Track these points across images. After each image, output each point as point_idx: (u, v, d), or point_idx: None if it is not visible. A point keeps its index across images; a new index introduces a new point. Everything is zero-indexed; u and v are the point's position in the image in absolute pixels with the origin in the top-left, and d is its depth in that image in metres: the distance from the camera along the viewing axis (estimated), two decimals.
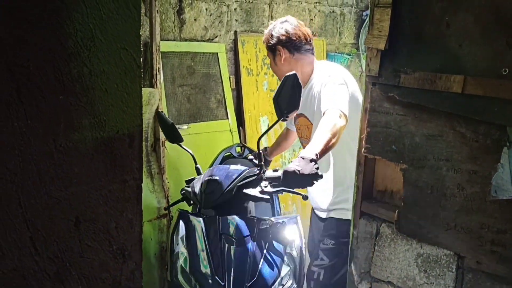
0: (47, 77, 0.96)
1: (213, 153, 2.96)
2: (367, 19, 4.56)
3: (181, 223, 1.87)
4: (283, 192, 1.85)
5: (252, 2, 3.74)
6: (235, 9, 3.63)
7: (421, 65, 1.60)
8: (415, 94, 1.62)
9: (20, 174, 0.96)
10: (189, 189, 1.99)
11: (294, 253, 1.79)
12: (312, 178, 1.74)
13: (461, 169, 1.55)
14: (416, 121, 1.65)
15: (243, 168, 2.00)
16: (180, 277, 1.72)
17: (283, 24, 2.40)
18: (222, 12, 3.54)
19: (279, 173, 1.80)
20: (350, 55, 4.61)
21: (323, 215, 2.46)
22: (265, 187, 1.82)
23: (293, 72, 1.83)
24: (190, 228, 1.83)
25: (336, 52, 4.48)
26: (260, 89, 3.81)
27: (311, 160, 1.78)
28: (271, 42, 2.40)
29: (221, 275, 1.67)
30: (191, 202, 2.10)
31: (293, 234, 1.86)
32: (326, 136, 1.93)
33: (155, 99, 2.91)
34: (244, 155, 2.72)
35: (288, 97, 1.77)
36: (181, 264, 1.74)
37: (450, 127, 1.56)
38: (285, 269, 1.74)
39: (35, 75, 0.94)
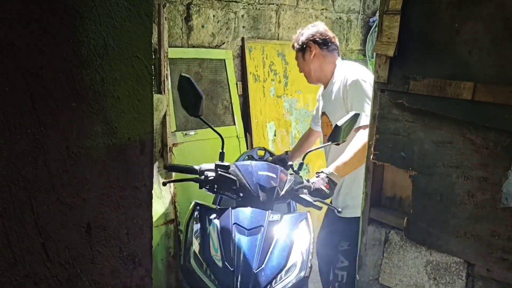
0: (61, 84, 0.97)
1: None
2: (374, 25, 4.57)
3: (196, 212, 1.96)
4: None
5: (259, 9, 3.75)
6: (242, 15, 3.64)
7: (430, 71, 1.60)
8: (424, 100, 1.62)
9: (33, 181, 0.97)
10: (228, 175, 2.02)
11: (302, 247, 1.86)
12: (328, 196, 2.14)
13: (471, 176, 1.54)
14: (425, 128, 1.65)
15: (287, 171, 2.20)
16: (192, 262, 1.80)
17: (313, 27, 2.60)
18: (230, 19, 3.55)
19: (309, 184, 2.10)
20: (356, 61, 4.62)
21: (336, 213, 2.49)
22: (306, 194, 2.06)
23: (358, 112, 2.18)
24: (204, 218, 1.92)
25: (342, 59, 4.47)
26: (267, 95, 3.82)
27: (335, 184, 2.15)
28: (300, 39, 2.57)
29: (230, 262, 1.75)
30: (203, 183, 2.07)
31: (302, 229, 1.93)
32: (358, 159, 2.18)
33: (163, 105, 2.92)
34: (265, 159, 2.82)
35: (349, 129, 2.10)
36: (194, 250, 1.83)
37: (460, 134, 1.56)
38: (292, 260, 1.80)
39: (48, 83, 0.95)
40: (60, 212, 1.01)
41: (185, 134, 3.22)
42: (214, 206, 2.03)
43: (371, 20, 4.68)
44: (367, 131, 2.15)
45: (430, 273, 1.70)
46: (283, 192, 2.02)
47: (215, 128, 2.21)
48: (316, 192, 2.09)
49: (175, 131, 3.16)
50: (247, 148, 3.63)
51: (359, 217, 2.34)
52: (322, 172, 2.18)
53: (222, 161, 2.13)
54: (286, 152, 2.88)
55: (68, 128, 1.00)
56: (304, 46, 2.55)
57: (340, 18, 4.45)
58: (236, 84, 3.63)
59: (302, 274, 1.78)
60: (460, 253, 1.60)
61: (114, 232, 1.11)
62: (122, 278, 1.16)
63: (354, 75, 2.36)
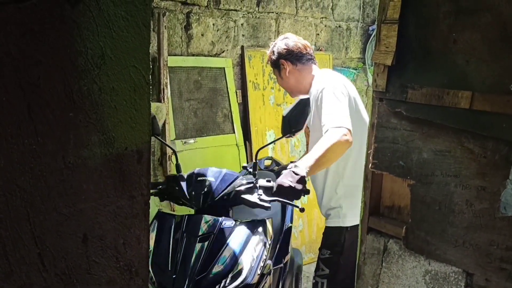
0: (58, 94, 0.97)
1: (219, 167, 2.96)
2: (374, 34, 4.59)
3: (156, 221, 1.98)
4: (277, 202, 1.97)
5: (258, 18, 3.77)
6: (242, 24, 3.66)
7: (428, 80, 1.60)
8: (422, 109, 1.62)
9: (29, 191, 0.97)
10: (173, 186, 2.06)
11: (253, 254, 1.86)
12: (301, 193, 1.93)
13: (469, 185, 1.54)
14: (424, 136, 1.65)
15: (236, 173, 2.12)
16: None
17: (283, 40, 2.52)
18: (229, 27, 3.57)
19: (272, 184, 1.96)
20: (356, 69, 4.63)
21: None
22: (260, 195, 1.93)
23: (308, 96, 2.06)
24: (162, 226, 1.94)
25: (342, 67, 4.50)
26: (267, 103, 3.83)
27: (303, 176, 1.96)
28: (273, 58, 2.52)
29: (175, 268, 1.78)
30: (163, 196, 2.13)
31: (257, 235, 1.92)
32: (323, 153, 2.06)
33: (162, 113, 2.93)
34: (270, 168, 2.83)
35: (298, 118, 1.98)
36: None
37: (458, 143, 1.56)
38: (238, 267, 1.81)
39: (45, 93, 0.95)
40: (57, 222, 1.01)
41: (185, 143, 3.22)
42: (174, 214, 2.03)
43: (370, 28, 4.70)
44: (337, 131, 2.10)
45: (429, 283, 1.69)
46: (219, 196, 1.97)
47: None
48: (282, 190, 1.93)
49: (174, 139, 3.17)
50: (247, 157, 3.63)
51: (340, 226, 2.40)
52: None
53: (178, 173, 2.15)
54: (291, 161, 2.87)
55: (65, 138, 1.00)
56: (278, 64, 2.51)
57: (339, 26, 4.46)
58: (236, 92, 3.64)
59: (249, 280, 1.79)
60: (459, 262, 1.60)
61: (110, 242, 1.11)
62: None
63: (324, 84, 2.33)
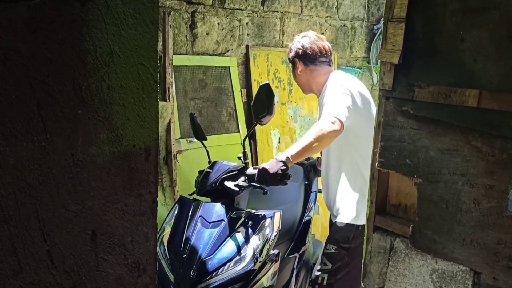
0: (67, 92, 0.97)
1: None
2: (378, 33, 4.58)
3: (177, 205, 2.19)
4: (253, 187, 2.16)
5: (263, 17, 3.77)
6: (246, 23, 3.66)
7: (435, 79, 1.60)
8: (429, 108, 1.62)
9: (39, 188, 0.97)
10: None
11: (257, 243, 2.01)
12: (281, 177, 2.05)
13: (477, 184, 1.53)
14: (431, 135, 1.64)
15: (233, 164, 2.33)
16: (158, 247, 1.98)
17: (301, 39, 2.56)
18: (234, 27, 3.57)
19: (255, 171, 2.13)
20: (361, 68, 4.62)
21: (333, 219, 2.59)
22: (242, 181, 2.12)
23: (267, 82, 2.16)
24: (181, 210, 2.14)
25: (347, 66, 4.49)
26: None
27: (281, 161, 2.08)
28: (290, 55, 2.58)
29: (185, 249, 1.95)
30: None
31: (264, 226, 2.07)
32: (307, 140, 2.16)
33: (167, 112, 2.93)
34: (300, 162, 2.95)
35: (262, 104, 2.10)
36: (162, 237, 2.05)
37: (465, 142, 1.55)
38: (242, 253, 1.97)
39: (55, 91, 0.95)
40: (66, 219, 1.02)
41: (190, 141, 3.23)
42: (194, 200, 2.23)
43: (375, 27, 4.69)
44: (325, 118, 2.19)
45: (436, 282, 1.69)
46: (210, 184, 2.17)
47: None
48: (260, 174, 2.10)
49: (179, 138, 3.17)
50: (251, 156, 3.63)
51: (351, 223, 2.41)
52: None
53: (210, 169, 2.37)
54: (317, 158, 2.95)
55: (74, 136, 1.00)
56: (293, 62, 2.56)
57: (344, 25, 4.46)
58: (241, 91, 3.64)
59: (250, 266, 1.94)
60: (466, 261, 1.59)
61: (119, 239, 1.11)
62: (126, 285, 1.16)
63: (332, 86, 2.40)
